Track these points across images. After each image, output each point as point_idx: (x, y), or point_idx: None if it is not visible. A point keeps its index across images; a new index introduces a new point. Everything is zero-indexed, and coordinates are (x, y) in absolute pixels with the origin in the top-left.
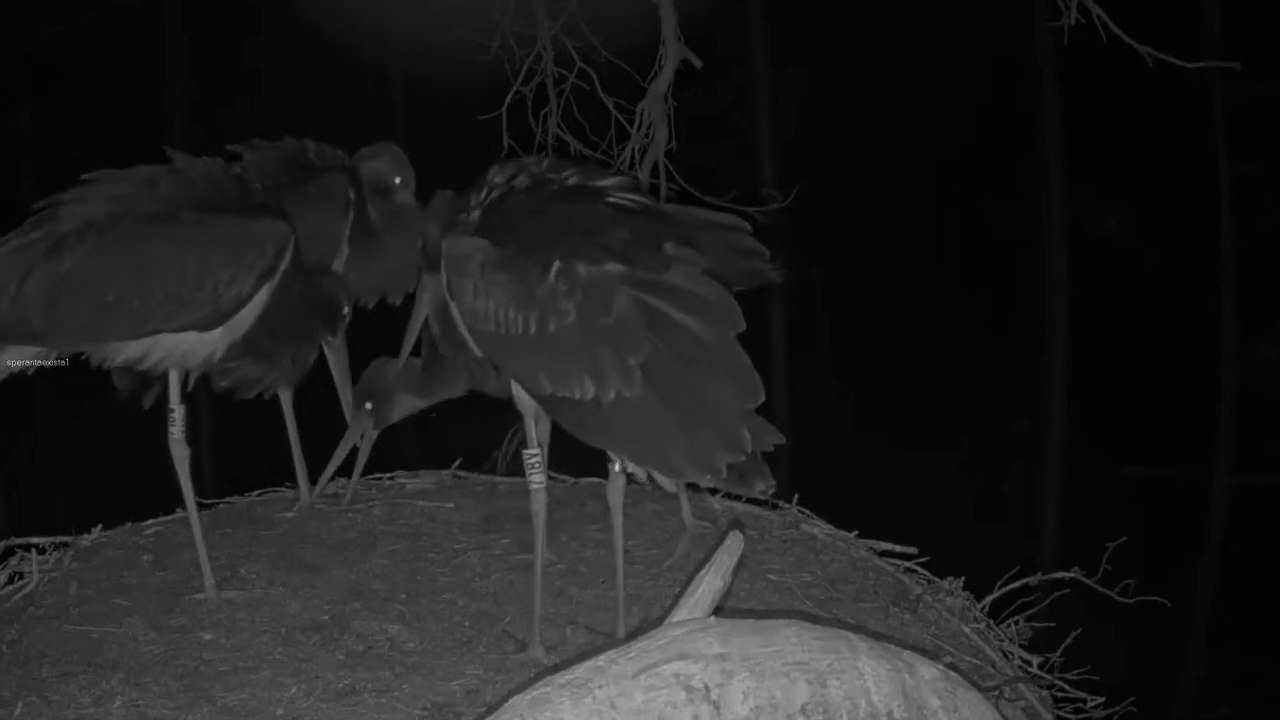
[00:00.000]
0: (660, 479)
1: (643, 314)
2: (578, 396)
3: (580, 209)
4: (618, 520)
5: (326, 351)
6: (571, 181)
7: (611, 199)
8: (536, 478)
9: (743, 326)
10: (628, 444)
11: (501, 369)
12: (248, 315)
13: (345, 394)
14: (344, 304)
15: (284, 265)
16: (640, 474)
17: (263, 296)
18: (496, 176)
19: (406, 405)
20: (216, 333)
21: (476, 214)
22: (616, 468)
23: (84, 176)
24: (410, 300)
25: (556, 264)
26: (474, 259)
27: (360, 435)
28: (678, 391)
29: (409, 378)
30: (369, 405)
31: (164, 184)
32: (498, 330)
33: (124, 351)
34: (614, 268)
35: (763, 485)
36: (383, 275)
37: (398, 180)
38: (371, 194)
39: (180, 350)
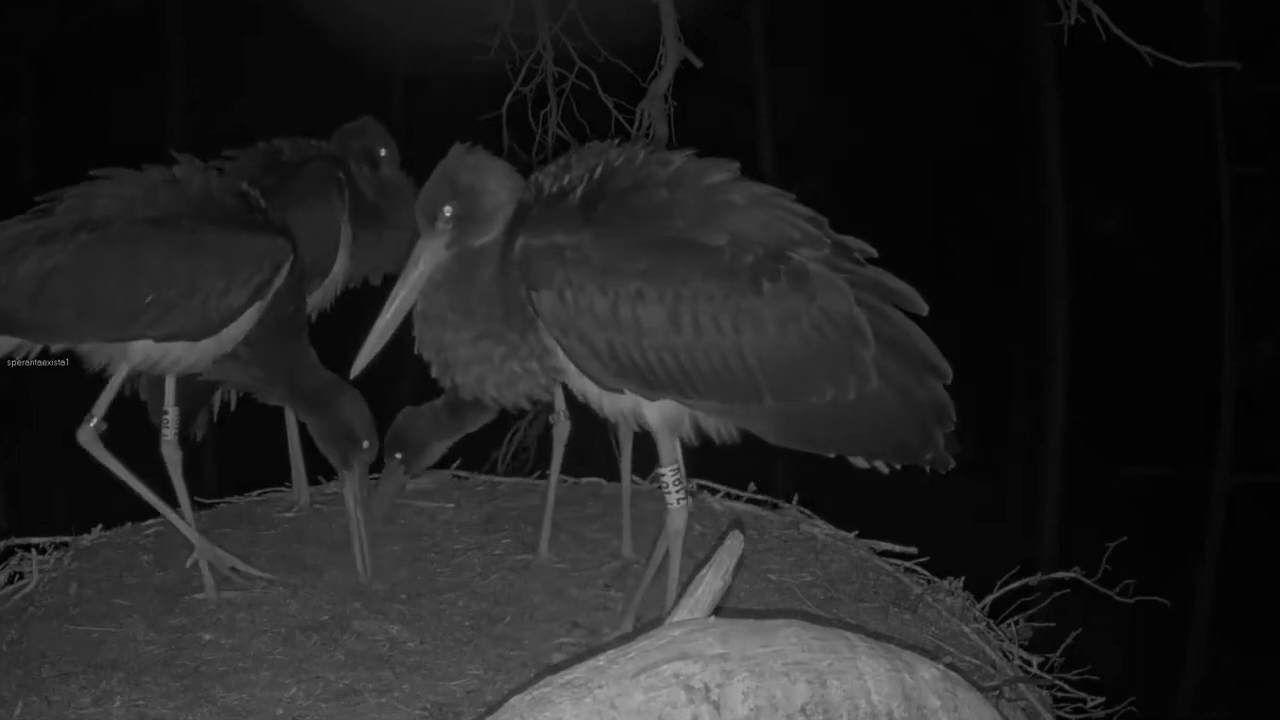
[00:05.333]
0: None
1: (864, 307)
2: (814, 400)
3: (761, 208)
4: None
5: (342, 480)
6: (692, 172)
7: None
8: (678, 495)
9: (926, 309)
10: (859, 441)
11: (657, 391)
12: (236, 331)
13: (360, 535)
14: (362, 436)
15: (278, 283)
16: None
17: (253, 314)
18: (578, 169)
19: (438, 450)
20: (203, 344)
21: (576, 213)
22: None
23: (92, 172)
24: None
25: (792, 260)
26: (626, 267)
27: (397, 487)
28: (896, 377)
29: (439, 424)
30: (399, 456)
31: (168, 190)
32: (696, 342)
33: (110, 353)
34: (829, 263)
35: (954, 456)
36: (385, 248)
37: (383, 152)
38: (361, 169)
39: (166, 359)
